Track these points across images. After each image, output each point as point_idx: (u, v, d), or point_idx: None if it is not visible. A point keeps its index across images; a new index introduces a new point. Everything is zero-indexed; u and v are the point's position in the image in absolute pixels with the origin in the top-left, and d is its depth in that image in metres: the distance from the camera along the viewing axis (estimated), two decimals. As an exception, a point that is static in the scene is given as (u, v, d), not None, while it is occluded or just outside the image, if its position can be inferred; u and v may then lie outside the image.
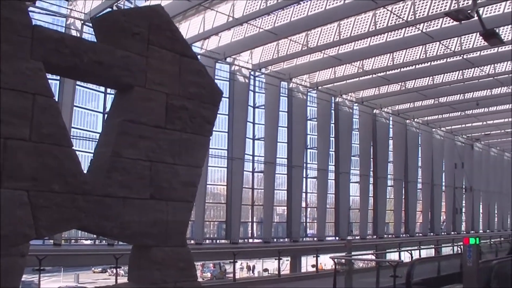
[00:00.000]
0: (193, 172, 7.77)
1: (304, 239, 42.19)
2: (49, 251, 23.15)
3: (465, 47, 32.73)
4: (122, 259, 20.20)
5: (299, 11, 29.78)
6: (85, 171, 6.73)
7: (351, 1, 27.66)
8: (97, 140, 7.91)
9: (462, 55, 33.60)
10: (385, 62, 36.42)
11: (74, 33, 26.56)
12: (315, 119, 42.73)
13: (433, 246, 40.76)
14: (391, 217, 50.89)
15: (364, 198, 46.48)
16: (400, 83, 41.20)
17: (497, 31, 25.24)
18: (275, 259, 28.57)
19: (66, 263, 36.09)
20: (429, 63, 36.48)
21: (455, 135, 60.48)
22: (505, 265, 16.94)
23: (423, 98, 44.71)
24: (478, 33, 26.96)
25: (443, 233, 57.39)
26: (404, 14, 28.46)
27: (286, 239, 40.48)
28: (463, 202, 62.70)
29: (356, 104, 45.75)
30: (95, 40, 7.27)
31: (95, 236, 26.58)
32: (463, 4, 25.54)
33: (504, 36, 28.83)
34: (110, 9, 25.15)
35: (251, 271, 57.01)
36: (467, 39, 32.32)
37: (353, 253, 26.30)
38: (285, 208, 40.83)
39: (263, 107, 38.99)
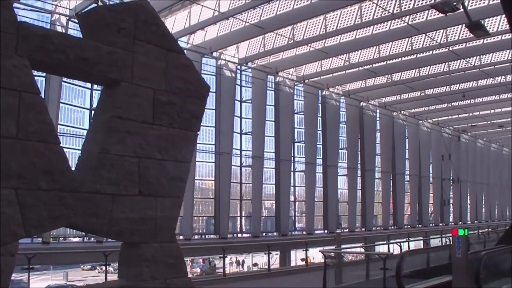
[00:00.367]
0: (181, 167, 7.73)
1: (293, 232, 42.26)
2: (38, 249, 23.09)
3: (451, 39, 32.84)
4: (111, 256, 20.18)
5: (285, 4, 29.77)
6: (72, 168, 6.68)
7: (337, -6, 27.72)
8: (84, 137, 7.86)
9: (448, 47, 33.71)
10: (372, 54, 36.50)
11: (59, 29, 26.47)
12: (302, 113, 42.77)
13: (421, 238, 40.84)
14: (379, 209, 51.06)
15: (352, 191, 46.57)
16: (386, 76, 41.31)
17: (482, 23, 25.38)
18: (265, 254, 28.58)
19: (55, 261, 35.99)
20: (415, 55, 36.61)
21: (441, 126, 60.72)
22: (494, 256, 17.00)
23: (409, 90, 44.85)
24: (463, 25, 27.08)
25: (431, 225, 57.61)
26: (390, 6, 28.51)
27: (275, 233, 40.54)
28: (451, 193, 63.00)
29: (343, 97, 45.82)
30: (81, 36, 7.22)
31: (83, 233, 26.51)
32: (448, -4, 25.58)
33: (490, 28, 28.97)
34: (96, 5, 25.01)
35: (240, 266, 57.04)
36: (453, 31, 32.43)
37: (342, 246, 26.31)
38: (274, 202, 40.87)
39: (250, 101, 38.98)
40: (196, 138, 8.13)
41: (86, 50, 6.69)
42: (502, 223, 60.88)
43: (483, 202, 72.27)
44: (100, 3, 26.06)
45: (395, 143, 52.32)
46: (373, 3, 28.74)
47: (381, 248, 29.61)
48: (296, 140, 42.67)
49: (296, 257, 43.01)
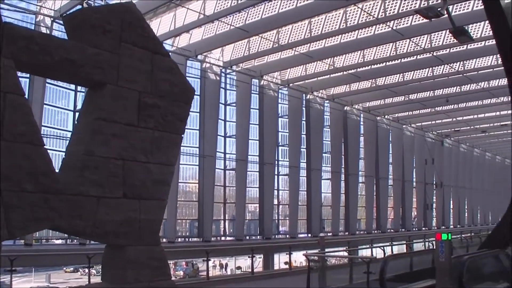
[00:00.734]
0: (165, 170, 7.74)
1: (277, 236, 42.25)
2: (20, 251, 22.96)
3: (435, 45, 33.01)
4: (94, 259, 20.09)
5: (270, 8, 29.78)
6: (57, 170, 6.67)
7: (322, -1, 27.79)
8: (68, 139, 7.85)
9: (432, 52, 33.86)
10: (356, 59, 36.58)
11: (44, 30, 26.30)
12: (287, 116, 42.78)
13: (404, 242, 40.99)
14: (362, 213, 51.12)
15: (336, 194, 46.58)
16: (370, 80, 41.39)
17: (466, 28, 25.54)
18: (248, 257, 28.58)
19: (37, 263, 35.72)
20: (399, 60, 36.71)
21: (425, 131, 60.89)
22: (477, 260, 17.10)
23: (393, 95, 44.96)
24: (447, 31, 27.20)
25: (414, 229, 57.79)
26: (375, 11, 28.61)
27: (258, 237, 40.51)
28: (434, 198, 63.17)
29: (327, 101, 45.84)
30: (66, 38, 7.21)
31: (66, 235, 26.38)
32: (433, 2, 25.70)
33: (474, 34, 29.16)
34: (81, 6, 24.94)
35: (223, 269, 56.92)
36: (437, 37, 32.59)
37: (326, 249, 26.35)
38: (257, 205, 40.83)
39: (234, 104, 38.94)
40: (180, 141, 8.15)
41: (71, 52, 6.69)
42: (485, 227, 61.09)
43: (466, 207, 72.58)
44: (85, 5, 25.96)
45: (379, 148, 52.43)
46: (358, 8, 28.83)
47: (365, 252, 29.69)
48: (280, 144, 42.63)
49: (280, 261, 43.01)
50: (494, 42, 21.90)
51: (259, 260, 39.68)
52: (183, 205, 36.93)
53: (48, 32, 26.19)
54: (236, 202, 38.18)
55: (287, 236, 42.20)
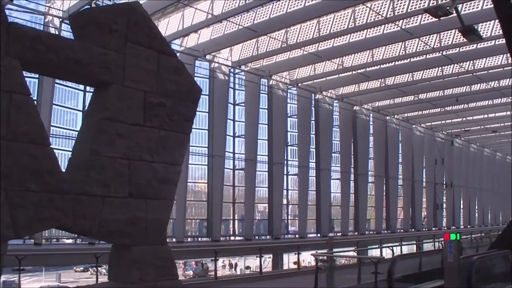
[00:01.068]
0: (171, 169, 7.72)
1: (286, 236, 42.19)
2: (29, 250, 22.98)
3: (444, 44, 32.86)
4: (102, 258, 20.09)
5: (278, 8, 29.74)
6: (63, 170, 6.67)
7: (330, -2, 27.74)
8: (76, 139, 7.83)
9: (441, 52, 33.73)
10: (365, 59, 36.48)
11: (52, 31, 26.35)
12: (295, 116, 42.73)
13: (414, 242, 40.84)
14: (372, 213, 51.03)
15: (345, 194, 46.52)
16: (379, 80, 41.28)
17: (475, 27, 25.41)
18: (257, 257, 28.54)
19: (47, 263, 35.83)
20: (408, 59, 36.58)
21: (435, 131, 60.70)
22: (486, 261, 17.00)
23: (403, 94, 44.81)
24: (457, 30, 27.09)
25: (424, 229, 57.61)
26: (383, 11, 28.53)
27: (267, 237, 40.49)
28: (444, 198, 62.98)
29: (336, 101, 45.80)
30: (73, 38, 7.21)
31: (76, 235, 26.42)
32: (442, 1, 25.58)
33: (483, 33, 29.01)
34: (89, 6, 24.95)
35: (233, 269, 56.95)
36: (447, 36, 32.45)
37: (334, 250, 26.28)
38: (266, 205, 40.82)
39: (243, 104, 38.94)
40: (187, 141, 8.13)
41: (77, 51, 6.68)
42: (495, 227, 60.89)
43: (476, 207, 72.30)
44: (93, 5, 26.00)
45: (388, 147, 52.30)
46: (367, 7, 28.74)
47: (374, 252, 29.60)
48: (289, 144, 42.62)
49: (289, 261, 42.97)
50: (504, 41, 21.81)
51: (268, 260, 39.67)
52: (192, 205, 36.98)
53: (57, 32, 26.25)
54: (245, 202, 38.19)
55: (296, 236, 42.13)
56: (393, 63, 37.25)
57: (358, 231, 47.61)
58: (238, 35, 31.89)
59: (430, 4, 25.85)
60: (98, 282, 19.63)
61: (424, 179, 59.39)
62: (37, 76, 24.57)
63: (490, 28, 30.40)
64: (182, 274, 47.88)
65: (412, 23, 30.37)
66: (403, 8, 28.09)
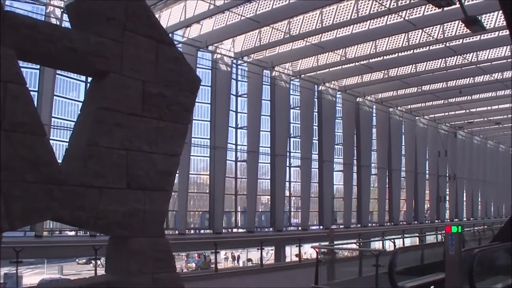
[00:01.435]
0: (170, 161, 7.63)
1: (288, 228, 42.19)
2: (30, 242, 22.99)
3: (447, 35, 32.78)
4: (101, 250, 20.03)
5: (281, -2, 29.71)
6: (60, 161, 6.58)
7: (333, -11, 27.66)
8: (74, 129, 7.74)
9: (444, 43, 33.63)
10: (368, 50, 36.41)
11: (53, 21, 26.29)
12: (298, 108, 42.70)
13: (417, 234, 40.79)
14: (375, 205, 51.06)
15: (348, 186, 46.51)
16: (383, 71, 41.21)
17: (479, 18, 25.27)
18: (257, 249, 28.52)
19: (47, 255, 35.88)
20: (411, 51, 36.51)
21: (438, 123, 60.61)
22: (488, 253, 16.94)
23: (406, 86, 44.76)
24: (460, 21, 26.95)
25: (427, 222, 57.60)
26: (387, 1, 28.42)
27: (270, 229, 40.47)
28: (447, 190, 62.94)
29: (339, 92, 45.74)
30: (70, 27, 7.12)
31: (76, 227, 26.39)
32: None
33: (487, 24, 28.88)
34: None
35: (236, 261, 56.97)
36: (450, 27, 32.34)
37: (336, 242, 26.21)
38: (269, 197, 40.81)
39: (245, 95, 38.89)
40: (186, 131, 8.02)
41: (74, 40, 6.58)
42: (498, 220, 60.83)
43: (479, 199, 72.26)
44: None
45: (391, 139, 52.28)
46: (370, -2, 28.70)
47: (376, 245, 29.54)
48: (292, 135, 42.58)
49: (291, 253, 42.97)
50: (507, 32, 21.67)
51: (271, 252, 39.65)
52: (195, 197, 36.96)
53: (58, 23, 26.17)
54: (248, 194, 38.19)
55: (299, 228, 42.14)
56: (396, 54, 37.19)
57: (360, 223, 47.70)
58: (241, 26, 31.82)
59: (433, -5, 25.71)
60: (97, 274, 19.61)
61: (427, 171, 59.36)
62: (38, 67, 24.49)
63: (494, 20, 30.31)
64: (185, 266, 48.04)
65: (415, 14, 30.29)
66: (406, -2, 28.02)
